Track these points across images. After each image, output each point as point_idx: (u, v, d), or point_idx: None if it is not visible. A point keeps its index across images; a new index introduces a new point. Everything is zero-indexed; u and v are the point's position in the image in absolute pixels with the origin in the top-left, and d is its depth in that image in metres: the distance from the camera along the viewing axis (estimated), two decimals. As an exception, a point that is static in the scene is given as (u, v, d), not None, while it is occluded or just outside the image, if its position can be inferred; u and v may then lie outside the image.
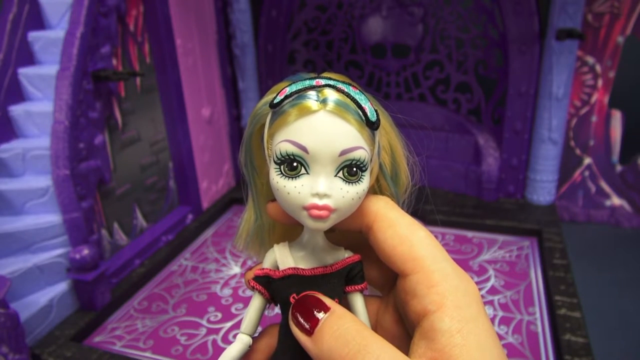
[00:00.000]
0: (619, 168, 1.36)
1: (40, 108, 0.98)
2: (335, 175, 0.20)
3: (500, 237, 1.26)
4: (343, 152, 0.20)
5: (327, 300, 0.21)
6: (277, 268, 0.23)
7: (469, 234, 1.29)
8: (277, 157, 0.20)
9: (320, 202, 0.20)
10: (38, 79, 1.00)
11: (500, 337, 0.91)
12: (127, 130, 1.18)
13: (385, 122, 0.24)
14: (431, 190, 1.50)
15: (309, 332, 0.19)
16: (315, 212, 0.20)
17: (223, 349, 1.08)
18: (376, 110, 0.21)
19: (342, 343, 0.18)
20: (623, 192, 1.37)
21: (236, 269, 1.18)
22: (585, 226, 1.39)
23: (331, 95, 0.20)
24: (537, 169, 1.36)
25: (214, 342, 0.93)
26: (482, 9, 1.37)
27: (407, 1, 1.47)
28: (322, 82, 0.21)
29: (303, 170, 0.20)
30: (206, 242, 1.33)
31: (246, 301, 1.06)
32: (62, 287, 0.96)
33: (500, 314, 0.97)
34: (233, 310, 1.03)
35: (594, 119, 1.34)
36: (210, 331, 0.97)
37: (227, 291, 1.10)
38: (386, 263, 0.22)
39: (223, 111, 1.56)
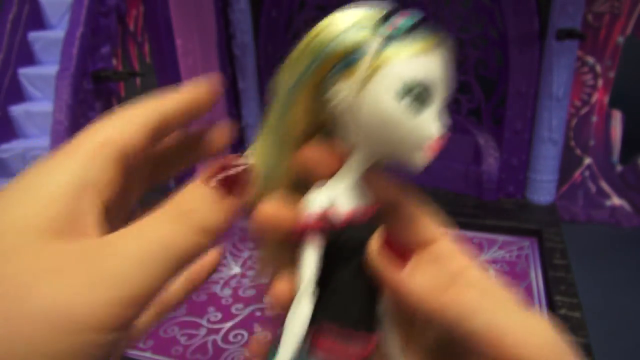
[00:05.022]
0: (619, 168, 1.36)
1: (40, 108, 0.98)
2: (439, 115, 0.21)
3: (500, 237, 1.26)
4: (450, 92, 0.21)
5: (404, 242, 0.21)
6: (328, 211, 0.22)
7: (469, 234, 1.29)
8: (400, 87, 0.19)
9: (439, 140, 0.20)
10: (38, 79, 1.00)
11: (500, 337, 0.91)
12: (127, 130, 1.18)
13: None
14: (431, 190, 1.50)
15: (401, 266, 0.20)
16: (435, 148, 0.20)
17: (223, 349, 1.06)
18: None
19: (440, 274, 0.19)
20: (623, 192, 1.37)
21: (236, 269, 1.18)
22: (585, 226, 1.39)
23: (440, 34, 0.21)
24: (537, 169, 1.36)
25: (214, 342, 0.93)
26: (482, 9, 1.37)
27: (407, 1, 1.47)
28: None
29: (426, 105, 0.20)
30: (206, 242, 1.33)
31: (246, 301, 1.06)
32: (62, 287, 0.96)
33: (500, 314, 0.98)
34: (233, 310, 1.03)
35: (594, 119, 1.34)
36: (210, 331, 0.97)
37: (227, 291, 1.10)
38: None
39: (223, 111, 1.56)
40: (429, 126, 0.20)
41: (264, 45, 1.55)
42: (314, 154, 0.22)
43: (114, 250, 0.16)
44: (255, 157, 0.24)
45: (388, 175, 0.23)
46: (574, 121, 1.36)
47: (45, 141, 0.96)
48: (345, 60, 0.20)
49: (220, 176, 0.18)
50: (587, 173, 1.39)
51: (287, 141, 0.23)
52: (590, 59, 1.29)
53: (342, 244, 0.21)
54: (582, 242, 1.28)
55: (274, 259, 0.24)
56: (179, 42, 1.28)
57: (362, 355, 0.22)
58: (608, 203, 1.39)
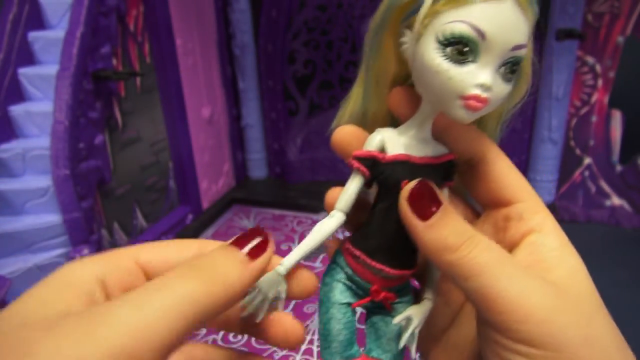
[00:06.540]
0: (619, 168, 1.36)
1: (40, 108, 0.98)
2: (497, 70, 0.20)
3: (500, 237, 1.26)
4: (515, 48, 0.19)
5: (439, 193, 0.21)
6: (383, 151, 0.23)
7: (469, 234, 1.29)
8: (444, 37, 0.19)
9: (483, 94, 0.19)
10: (38, 79, 1.00)
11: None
12: (127, 130, 1.18)
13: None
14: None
15: (423, 218, 0.20)
16: (474, 103, 0.19)
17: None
18: None
19: (457, 232, 0.20)
20: (623, 192, 1.37)
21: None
22: (585, 226, 1.39)
23: None
24: (537, 168, 1.36)
25: (214, 342, 0.93)
26: (482, 9, 1.37)
27: None
28: None
29: (471, 58, 0.19)
30: (206, 242, 1.33)
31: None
32: (62, 287, 0.96)
33: (500, 314, 0.97)
34: (233, 310, 1.03)
35: (594, 119, 1.34)
36: (210, 331, 0.96)
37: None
38: (494, 190, 0.23)
39: (223, 111, 1.56)
40: (466, 79, 0.19)
41: (264, 45, 1.55)
42: (395, 96, 0.23)
43: (135, 303, 0.16)
44: (352, 96, 0.25)
45: (475, 130, 0.23)
46: (574, 121, 1.36)
47: (45, 141, 0.96)
48: (411, 9, 0.21)
49: (249, 245, 0.20)
50: (587, 173, 1.39)
51: (380, 83, 0.24)
52: (590, 59, 1.29)
53: (382, 181, 0.22)
54: (582, 242, 1.27)
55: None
56: (179, 42, 1.28)
57: (384, 284, 0.23)
58: (608, 203, 1.39)
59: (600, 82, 1.30)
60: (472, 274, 0.19)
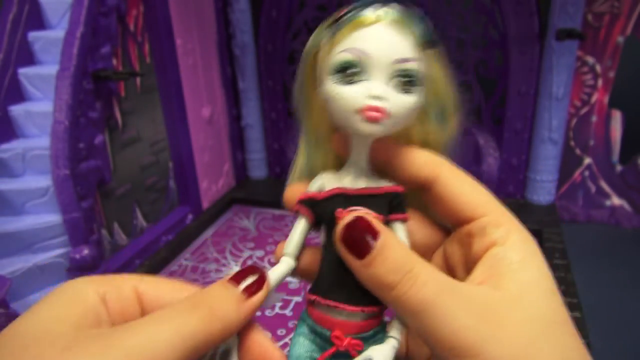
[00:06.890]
0: (619, 168, 1.36)
1: (40, 108, 0.98)
2: (388, 83, 0.21)
3: (500, 237, 1.26)
4: (398, 61, 0.21)
5: (376, 224, 0.20)
6: (312, 192, 0.23)
7: (469, 234, 1.29)
8: (334, 68, 0.21)
9: (377, 103, 0.21)
10: (38, 79, 1.00)
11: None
12: (127, 130, 1.18)
13: (438, 60, 0.24)
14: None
15: (360, 256, 0.20)
16: (371, 113, 0.21)
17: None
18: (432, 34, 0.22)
19: (394, 268, 0.19)
20: (623, 192, 1.37)
21: (236, 269, 1.18)
22: (585, 226, 1.39)
23: (391, 8, 0.22)
24: (537, 168, 1.36)
25: (214, 342, 0.93)
26: (482, 9, 1.37)
27: (407, 1, 1.47)
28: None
29: (359, 77, 0.21)
30: (206, 242, 1.33)
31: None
32: (62, 287, 0.96)
33: (500, 314, 0.97)
34: (233, 310, 1.03)
35: (594, 119, 1.34)
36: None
37: (227, 291, 1.10)
38: (452, 210, 0.23)
39: (223, 111, 1.56)
40: (358, 93, 0.21)
41: (264, 45, 1.55)
42: (337, 140, 0.24)
43: (131, 332, 0.17)
44: (299, 154, 0.26)
45: (421, 153, 0.24)
46: (574, 121, 1.36)
47: (45, 141, 0.96)
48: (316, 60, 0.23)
49: (246, 282, 0.21)
50: (587, 173, 1.39)
51: (319, 138, 0.25)
52: (590, 59, 1.29)
53: (322, 216, 0.23)
54: (582, 242, 1.28)
55: None
56: (179, 42, 1.28)
57: (345, 329, 0.22)
58: (608, 203, 1.39)
59: (600, 82, 1.30)
60: (412, 312, 0.19)
